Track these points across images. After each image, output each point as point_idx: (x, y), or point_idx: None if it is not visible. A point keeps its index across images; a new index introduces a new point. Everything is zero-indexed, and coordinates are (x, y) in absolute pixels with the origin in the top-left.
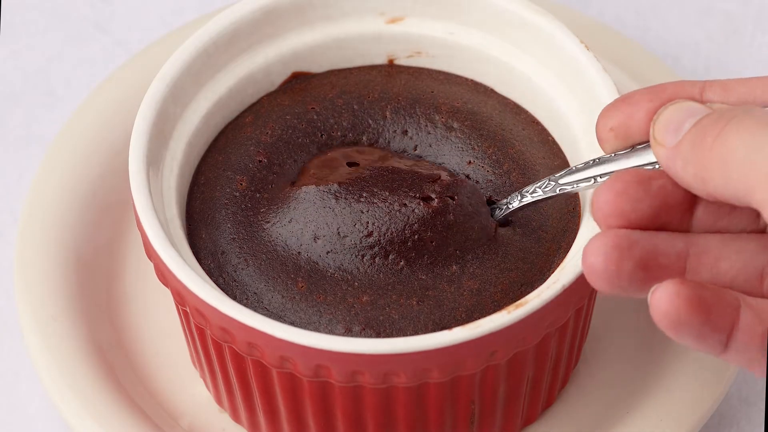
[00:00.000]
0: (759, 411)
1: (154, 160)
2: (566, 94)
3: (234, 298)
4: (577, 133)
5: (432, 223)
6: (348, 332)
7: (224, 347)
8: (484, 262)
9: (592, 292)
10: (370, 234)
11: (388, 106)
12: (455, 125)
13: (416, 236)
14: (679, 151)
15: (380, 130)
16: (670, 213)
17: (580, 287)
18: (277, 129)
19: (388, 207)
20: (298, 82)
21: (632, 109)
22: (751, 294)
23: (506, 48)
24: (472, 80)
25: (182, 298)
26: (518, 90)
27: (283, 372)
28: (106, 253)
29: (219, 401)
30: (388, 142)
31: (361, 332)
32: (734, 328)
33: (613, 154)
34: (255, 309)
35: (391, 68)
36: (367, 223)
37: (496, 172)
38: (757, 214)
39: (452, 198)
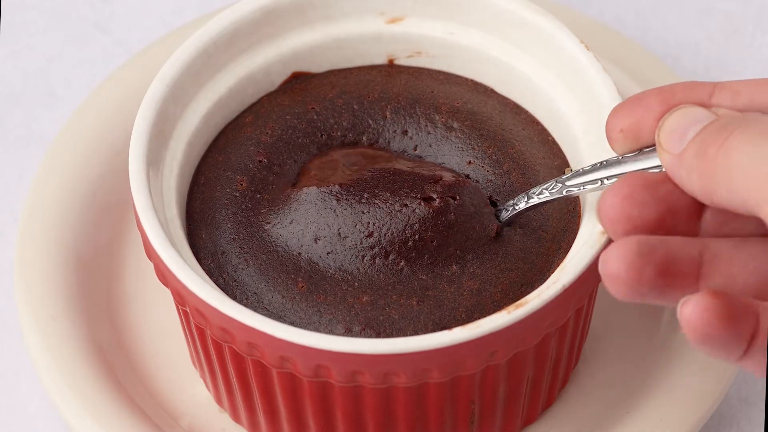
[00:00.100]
0: (759, 411)
1: (154, 160)
2: (566, 94)
3: (234, 298)
4: (577, 133)
5: (433, 223)
6: (348, 332)
7: (224, 347)
8: (484, 262)
9: (592, 292)
10: (370, 234)
11: (388, 106)
12: (455, 125)
13: (417, 236)
14: (683, 160)
15: (380, 130)
16: (677, 217)
17: (580, 287)
18: (277, 129)
19: (389, 207)
20: (298, 82)
21: (643, 111)
22: (762, 298)
23: (506, 48)
24: (472, 80)
25: (182, 298)
26: (518, 90)
27: (283, 372)
28: (106, 253)
29: (219, 401)
30: (388, 142)
31: (361, 332)
32: (755, 336)
33: (620, 157)
34: (255, 309)
35: (391, 68)
36: (368, 223)
37: (496, 172)
38: None
39: (454, 198)
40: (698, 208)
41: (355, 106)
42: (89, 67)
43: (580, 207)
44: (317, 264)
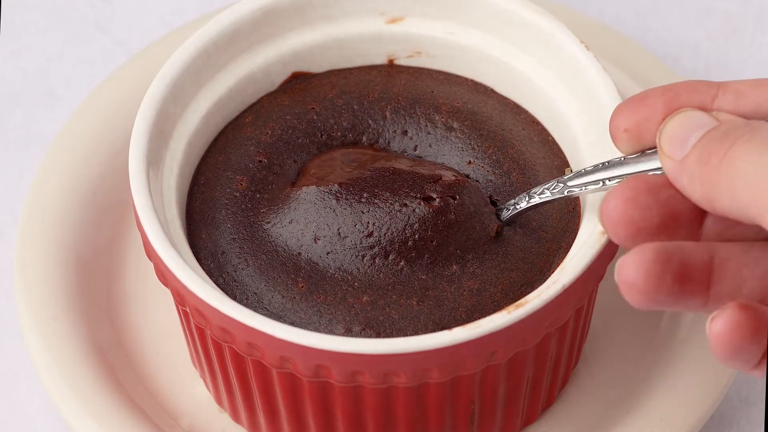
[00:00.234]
0: (759, 411)
1: (154, 160)
2: (566, 94)
3: (234, 298)
4: (577, 133)
5: (433, 223)
6: (348, 332)
7: (224, 347)
8: (484, 261)
9: (592, 292)
10: (370, 234)
11: (388, 106)
12: (455, 125)
13: (417, 236)
14: (685, 166)
15: (380, 131)
16: (680, 221)
17: (580, 287)
18: (277, 129)
19: (389, 207)
20: (298, 82)
21: (647, 111)
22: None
23: (506, 48)
24: (472, 80)
25: (182, 298)
26: (518, 90)
27: (283, 372)
28: (106, 253)
29: (219, 401)
30: (388, 142)
31: (361, 332)
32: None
33: (622, 158)
34: (255, 309)
35: (391, 68)
36: (368, 223)
37: (496, 172)
38: None
39: (454, 198)
40: (700, 212)
41: (355, 106)
42: (89, 67)
43: (580, 207)
44: (317, 264)
